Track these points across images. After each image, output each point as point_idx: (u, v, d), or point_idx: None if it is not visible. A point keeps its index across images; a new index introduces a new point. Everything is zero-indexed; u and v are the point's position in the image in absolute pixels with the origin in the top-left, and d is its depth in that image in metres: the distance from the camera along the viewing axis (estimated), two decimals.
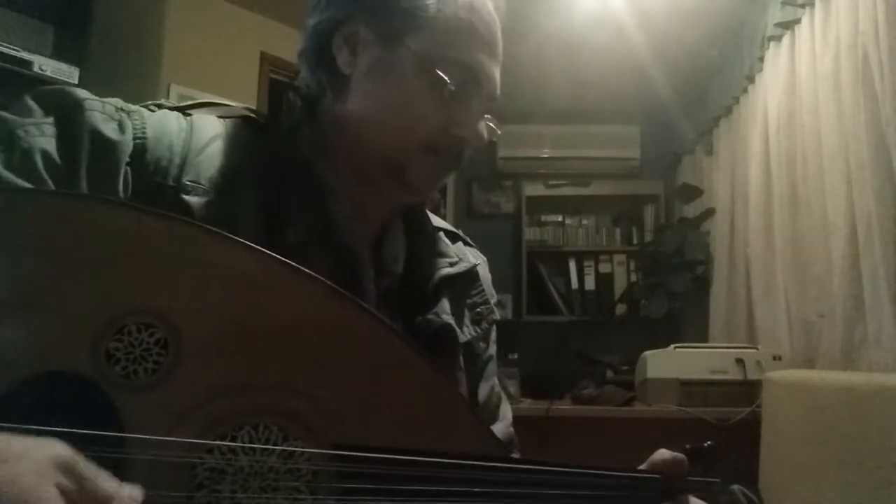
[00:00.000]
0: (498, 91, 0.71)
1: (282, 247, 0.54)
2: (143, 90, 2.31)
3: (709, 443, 0.65)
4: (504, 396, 0.86)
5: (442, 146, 0.68)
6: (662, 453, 0.64)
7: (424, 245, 0.76)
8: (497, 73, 0.71)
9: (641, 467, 0.64)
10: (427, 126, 0.66)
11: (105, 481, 0.38)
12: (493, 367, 0.83)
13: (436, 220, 0.82)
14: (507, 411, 0.84)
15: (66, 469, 0.36)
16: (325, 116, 0.70)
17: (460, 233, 0.85)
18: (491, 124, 0.72)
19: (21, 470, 0.34)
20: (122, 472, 0.41)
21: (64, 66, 1.96)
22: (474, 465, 0.53)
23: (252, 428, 0.48)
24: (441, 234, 0.80)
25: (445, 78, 0.65)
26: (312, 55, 0.70)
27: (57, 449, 0.37)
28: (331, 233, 0.66)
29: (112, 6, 2.23)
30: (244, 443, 0.47)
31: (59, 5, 2.10)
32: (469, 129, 0.68)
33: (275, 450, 0.48)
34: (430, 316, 0.71)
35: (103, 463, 0.41)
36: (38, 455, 0.35)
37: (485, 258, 0.87)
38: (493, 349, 0.83)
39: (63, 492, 0.36)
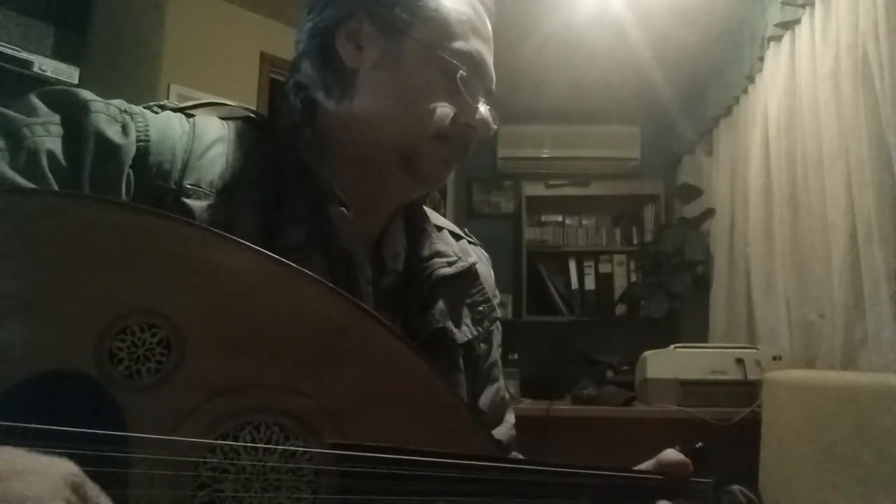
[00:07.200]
0: (494, 84, 0.74)
1: (280, 249, 0.54)
2: (143, 90, 2.31)
3: (699, 444, 0.65)
4: (509, 399, 0.85)
5: (452, 135, 0.69)
6: (670, 454, 0.63)
7: (422, 243, 0.75)
8: (492, 67, 0.73)
9: (645, 465, 0.64)
10: (439, 114, 0.68)
11: (107, 502, 0.40)
12: (496, 371, 0.82)
13: (439, 220, 0.81)
14: (510, 415, 0.83)
15: (75, 488, 0.37)
16: (326, 116, 0.70)
17: (464, 232, 0.85)
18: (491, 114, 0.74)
19: (34, 484, 0.35)
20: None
21: (64, 66, 1.95)
22: (475, 465, 0.54)
23: (254, 427, 0.48)
24: (444, 232, 0.79)
25: (457, 63, 0.67)
26: (315, 54, 0.70)
27: (68, 468, 0.38)
28: (329, 235, 0.66)
29: (112, 6, 2.23)
30: (246, 442, 0.47)
31: (59, 5, 2.10)
32: (477, 118, 0.70)
33: (277, 449, 0.48)
34: (427, 318, 0.71)
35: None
36: (52, 472, 0.37)
37: (488, 256, 0.86)
38: (497, 353, 0.82)
39: None
